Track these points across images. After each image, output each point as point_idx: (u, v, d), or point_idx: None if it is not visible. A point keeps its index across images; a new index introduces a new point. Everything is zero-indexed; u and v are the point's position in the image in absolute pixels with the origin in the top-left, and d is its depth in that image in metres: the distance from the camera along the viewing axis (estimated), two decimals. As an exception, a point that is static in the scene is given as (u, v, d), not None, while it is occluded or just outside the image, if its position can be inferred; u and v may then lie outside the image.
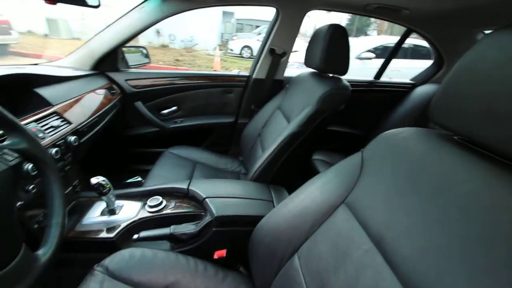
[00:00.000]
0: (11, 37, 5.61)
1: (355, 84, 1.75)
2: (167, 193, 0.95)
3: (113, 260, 0.68)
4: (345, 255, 0.49)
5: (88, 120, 1.02)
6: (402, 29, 1.75)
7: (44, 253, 0.54)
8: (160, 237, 0.82)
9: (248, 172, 1.14)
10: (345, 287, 0.45)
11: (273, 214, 0.68)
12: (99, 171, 0.86)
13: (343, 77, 1.17)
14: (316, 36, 1.17)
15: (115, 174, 1.12)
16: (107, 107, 1.20)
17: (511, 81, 0.36)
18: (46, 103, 0.90)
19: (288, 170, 1.14)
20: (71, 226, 0.82)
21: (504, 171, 0.38)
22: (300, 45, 3.23)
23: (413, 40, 5.28)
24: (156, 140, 1.61)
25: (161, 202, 0.90)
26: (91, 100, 1.14)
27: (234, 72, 1.76)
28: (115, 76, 1.43)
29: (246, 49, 10.20)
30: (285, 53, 1.57)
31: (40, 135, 0.75)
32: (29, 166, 0.58)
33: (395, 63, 1.94)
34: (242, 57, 10.07)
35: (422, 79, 1.96)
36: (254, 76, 1.63)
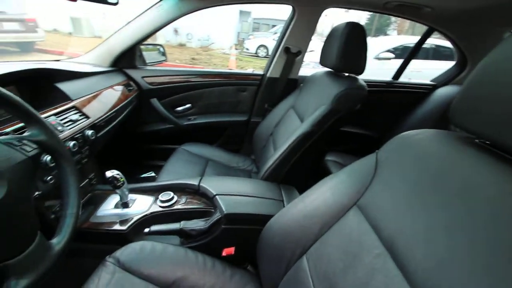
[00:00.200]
0: (37, 34, 5.88)
1: (372, 84, 1.70)
2: (178, 189, 0.96)
3: (124, 252, 0.70)
4: (355, 258, 0.47)
5: (106, 115, 1.05)
6: (424, 29, 1.68)
7: (58, 242, 0.56)
8: (170, 231, 0.83)
9: (259, 171, 1.14)
10: None
11: (282, 214, 0.67)
12: (115, 165, 0.88)
13: (360, 77, 1.14)
14: (332, 34, 1.15)
15: (129, 168, 1.14)
16: (124, 103, 1.23)
17: None
18: (66, 98, 0.94)
19: (300, 170, 1.12)
20: (85, 217, 0.84)
21: None
22: (317, 45, 3.19)
23: (436, 40, 5.09)
24: (170, 137, 1.64)
25: (172, 198, 0.91)
26: (109, 96, 1.17)
27: (249, 70, 1.76)
28: (132, 73, 1.46)
29: (262, 48, 10.21)
30: (300, 52, 1.55)
31: (59, 128, 0.78)
32: (47, 157, 0.61)
33: (416, 64, 1.86)
34: (257, 56, 10.09)
35: (444, 80, 1.87)
36: (268, 74, 1.62)
